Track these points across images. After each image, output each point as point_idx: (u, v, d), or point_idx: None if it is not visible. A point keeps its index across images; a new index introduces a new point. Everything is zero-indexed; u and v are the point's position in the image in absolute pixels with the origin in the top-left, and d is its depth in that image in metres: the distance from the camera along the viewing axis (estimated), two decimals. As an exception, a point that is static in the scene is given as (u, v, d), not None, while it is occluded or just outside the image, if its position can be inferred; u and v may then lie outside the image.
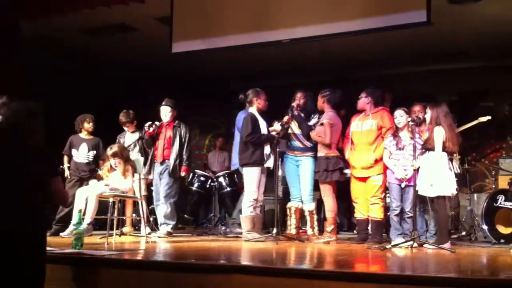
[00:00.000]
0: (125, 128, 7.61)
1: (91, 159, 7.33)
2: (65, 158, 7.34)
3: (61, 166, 7.48)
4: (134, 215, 7.60)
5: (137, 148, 7.44)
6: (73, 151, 7.32)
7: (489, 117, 6.96)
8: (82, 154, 7.31)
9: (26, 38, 7.42)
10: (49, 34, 8.20)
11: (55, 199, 3.37)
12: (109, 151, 6.36)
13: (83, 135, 7.40)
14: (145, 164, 7.02)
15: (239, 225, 7.04)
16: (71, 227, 6.06)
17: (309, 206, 6.51)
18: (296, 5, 6.70)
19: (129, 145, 7.39)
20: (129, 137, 7.56)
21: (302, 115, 6.60)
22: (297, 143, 6.59)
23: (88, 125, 7.35)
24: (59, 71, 8.85)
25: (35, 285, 3.12)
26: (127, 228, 7.30)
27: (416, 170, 5.68)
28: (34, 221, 3.13)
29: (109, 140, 7.45)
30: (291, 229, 6.62)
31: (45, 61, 8.51)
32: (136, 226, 7.66)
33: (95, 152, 7.35)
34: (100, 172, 7.20)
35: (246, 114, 7.09)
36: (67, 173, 7.29)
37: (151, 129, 6.98)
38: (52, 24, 7.49)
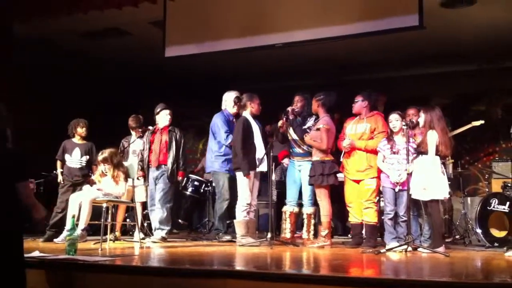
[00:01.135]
0: (133, 133, 7.57)
1: (84, 164, 7.30)
2: (58, 163, 7.31)
3: (54, 172, 7.47)
4: (128, 220, 7.57)
5: (137, 153, 7.38)
6: (66, 156, 7.29)
7: (482, 121, 6.99)
8: (75, 159, 7.28)
9: (19, 39, 7.41)
10: (44, 37, 8.21)
11: (22, 203, 3.32)
12: (100, 157, 6.35)
13: (76, 140, 7.37)
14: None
15: (225, 233, 7.03)
16: (64, 233, 6.04)
17: (309, 209, 6.50)
18: (289, 9, 6.71)
19: (139, 150, 7.33)
20: (137, 142, 7.52)
21: (298, 119, 6.59)
22: (297, 149, 6.60)
23: (81, 130, 7.32)
24: (56, 74, 8.84)
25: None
26: (117, 233, 7.27)
27: (410, 174, 5.69)
28: (8, 223, 3.11)
29: (104, 143, 7.42)
30: (286, 233, 6.61)
31: (41, 63, 8.51)
32: (130, 231, 7.63)
33: (88, 157, 7.32)
34: (93, 177, 7.18)
35: (222, 117, 7.11)
36: (60, 178, 7.26)
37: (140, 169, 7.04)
38: (47, 27, 7.49)
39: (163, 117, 7.08)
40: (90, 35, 8.23)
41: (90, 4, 6.44)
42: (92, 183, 7.09)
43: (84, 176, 7.27)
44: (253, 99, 6.71)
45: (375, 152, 6.14)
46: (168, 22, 7.31)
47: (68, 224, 5.89)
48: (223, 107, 7.32)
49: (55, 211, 7.04)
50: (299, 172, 6.59)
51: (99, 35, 8.24)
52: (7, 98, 6.43)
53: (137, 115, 7.59)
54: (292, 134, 6.60)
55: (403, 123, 5.82)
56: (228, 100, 7.26)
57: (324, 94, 6.53)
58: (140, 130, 7.49)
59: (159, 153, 6.98)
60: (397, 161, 5.96)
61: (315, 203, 6.55)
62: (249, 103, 6.68)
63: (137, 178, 6.96)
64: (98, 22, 7.54)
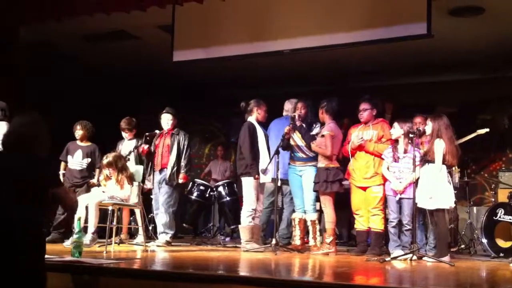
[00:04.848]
0: (124, 135, 7.58)
1: (85, 167, 7.28)
2: (62, 164, 7.31)
3: (58, 173, 7.46)
4: (133, 223, 7.58)
5: (133, 156, 7.39)
6: (68, 158, 7.29)
7: (487, 129, 6.95)
8: (76, 161, 7.27)
9: (25, 43, 7.44)
10: (49, 40, 8.24)
11: (64, 205, 3.42)
12: (104, 161, 6.36)
13: (80, 141, 7.37)
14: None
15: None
16: (73, 236, 6.04)
17: (312, 216, 6.47)
18: (297, 15, 6.72)
19: (127, 154, 7.35)
20: (126, 144, 7.53)
21: (304, 125, 6.59)
22: (300, 154, 6.57)
23: (76, 132, 7.31)
24: (60, 75, 8.87)
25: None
26: (123, 235, 7.28)
27: (415, 182, 5.67)
28: (35, 226, 3.17)
29: (107, 146, 7.43)
30: (296, 240, 6.58)
31: (45, 65, 8.54)
32: (134, 234, 7.63)
33: (89, 159, 7.30)
34: (93, 180, 7.18)
35: (280, 123, 7.08)
36: (61, 179, 7.25)
37: (146, 146, 6.99)
38: (52, 30, 7.52)
39: (164, 121, 7.11)
40: (96, 38, 8.25)
41: (97, 7, 6.46)
42: (92, 186, 7.11)
43: (83, 178, 7.26)
44: (261, 106, 6.71)
45: (381, 157, 6.14)
46: (176, 26, 7.33)
47: (76, 227, 5.91)
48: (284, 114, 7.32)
49: (57, 213, 7.05)
50: (300, 177, 6.58)
51: (105, 38, 8.26)
52: (11, 100, 6.48)
53: (130, 117, 7.60)
54: (296, 140, 6.58)
55: (408, 130, 5.81)
56: (289, 109, 7.25)
57: (326, 101, 6.54)
58: (131, 132, 7.51)
59: (162, 157, 6.99)
60: (398, 170, 5.95)
61: (317, 209, 6.54)
62: (256, 109, 6.68)
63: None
64: (105, 25, 7.55)
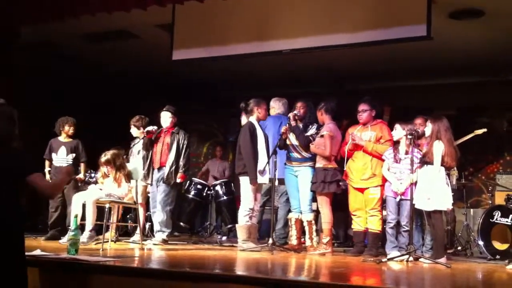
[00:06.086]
0: (137, 133, 7.53)
1: (71, 162, 7.25)
2: (46, 163, 7.28)
3: (44, 171, 7.42)
4: (130, 221, 7.57)
5: (142, 154, 7.34)
6: (53, 155, 7.27)
7: (484, 130, 6.98)
8: (61, 157, 7.25)
9: (25, 43, 7.43)
10: (49, 40, 8.23)
11: (41, 193, 3.37)
12: (102, 158, 6.35)
13: (62, 138, 7.35)
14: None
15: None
16: (69, 234, 6.04)
17: (308, 216, 6.46)
18: (297, 16, 6.73)
19: (138, 151, 7.32)
20: (141, 142, 7.52)
21: (300, 125, 6.59)
22: (295, 154, 6.57)
23: (68, 128, 7.30)
24: (59, 77, 8.87)
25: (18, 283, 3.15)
26: (108, 233, 7.26)
27: (414, 184, 5.68)
28: (11, 219, 3.15)
29: (105, 144, 7.41)
30: (292, 240, 6.59)
31: (44, 65, 8.53)
32: (132, 232, 7.62)
33: (74, 155, 7.30)
34: (80, 175, 7.16)
35: (277, 120, 7.07)
36: (47, 177, 7.24)
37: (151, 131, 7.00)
38: (53, 30, 7.52)
39: (163, 119, 7.10)
40: (96, 37, 8.24)
41: (98, 6, 6.45)
42: (80, 181, 7.09)
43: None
44: (261, 105, 6.69)
45: (380, 158, 6.14)
46: (176, 25, 7.33)
47: (72, 224, 5.91)
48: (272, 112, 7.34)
49: (50, 211, 7.04)
50: (296, 177, 6.57)
51: (106, 38, 8.25)
52: (11, 100, 6.47)
53: (141, 116, 7.59)
54: (292, 140, 6.58)
55: (408, 132, 5.81)
56: (276, 107, 7.28)
57: (323, 102, 6.54)
58: (143, 131, 7.49)
59: (161, 155, 6.98)
60: (399, 171, 5.96)
61: (314, 209, 6.54)
62: (256, 109, 6.67)
63: (141, 179, 6.95)
64: (105, 25, 7.54)
